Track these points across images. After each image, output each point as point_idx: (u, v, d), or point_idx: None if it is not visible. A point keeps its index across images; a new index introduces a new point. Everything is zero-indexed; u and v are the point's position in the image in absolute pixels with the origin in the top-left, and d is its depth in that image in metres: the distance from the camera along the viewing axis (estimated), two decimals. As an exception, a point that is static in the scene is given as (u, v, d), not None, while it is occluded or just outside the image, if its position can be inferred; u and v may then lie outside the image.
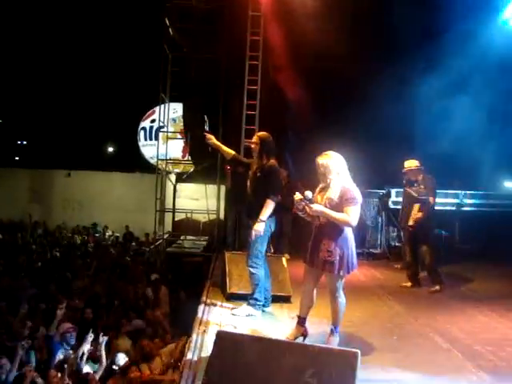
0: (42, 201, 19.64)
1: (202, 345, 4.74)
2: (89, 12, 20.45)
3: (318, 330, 5.12)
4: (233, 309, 5.91)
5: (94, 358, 6.29)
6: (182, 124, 13.85)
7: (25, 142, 30.36)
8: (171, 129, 14.47)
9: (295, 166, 10.48)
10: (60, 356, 6.29)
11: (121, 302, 8.85)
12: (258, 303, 5.78)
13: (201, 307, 5.96)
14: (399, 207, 8.74)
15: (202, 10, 11.23)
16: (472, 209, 10.94)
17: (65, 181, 19.85)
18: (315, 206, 4.63)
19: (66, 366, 5.80)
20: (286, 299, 6.36)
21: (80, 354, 6.02)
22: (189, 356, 4.52)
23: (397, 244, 10.50)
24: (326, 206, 4.63)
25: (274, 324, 5.59)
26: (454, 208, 10.86)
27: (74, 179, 19.84)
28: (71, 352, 6.35)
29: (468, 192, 10.99)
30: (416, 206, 7.69)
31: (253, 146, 5.90)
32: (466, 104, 10.17)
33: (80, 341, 6.43)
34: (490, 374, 4.36)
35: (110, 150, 30.16)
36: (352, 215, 4.58)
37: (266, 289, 5.94)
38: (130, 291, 9.52)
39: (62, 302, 7.58)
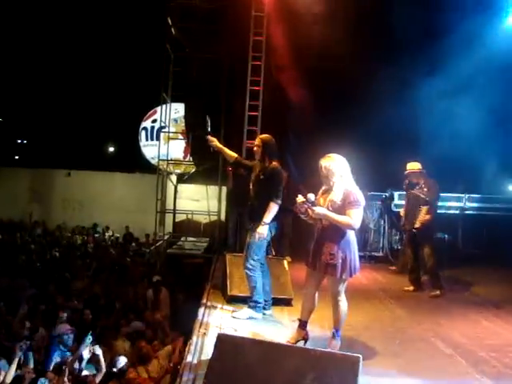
0: (41, 200, 19.65)
1: (202, 347, 4.71)
2: (91, 11, 20.43)
3: (319, 333, 5.10)
4: (233, 311, 5.87)
5: (93, 361, 6.23)
6: (183, 124, 13.85)
7: (25, 141, 30.31)
8: (173, 129, 14.46)
9: (297, 168, 10.42)
10: (57, 358, 6.24)
11: (120, 303, 8.81)
12: (259, 305, 5.74)
13: (201, 309, 5.93)
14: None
15: (204, 9, 11.19)
16: (475, 212, 10.90)
17: (65, 180, 19.86)
18: (318, 209, 4.59)
19: (63, 367, 5.73)
20: (287, 302, 6.32)
21: (79, 356, 5.95)
22: (189, 359, 4.49)
23: (399, 247, 10.43)
24: (328, 209, 4.59)
25: (275, 327, 5.54)
26: (457, 212, 10.82)
27: (75, 179, 19.84)
28: (68, 354, 6.29)
29: (471, 195, 10.95)
30: (424, 209, 7.64)
31: (255, 148, 5.88)
32: (470, 107, 10.12)
33: (78, 342, 6.37)
34: (494, 380, 4.32)
35: (111, 149, 30.12)
36: (355, 218, 4.54)
37: (267, 291, 5.90)
38: (130, 292, 9.47)
39: (62, 313, 7.57)
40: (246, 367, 3.60)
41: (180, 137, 14.87)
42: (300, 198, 4.65)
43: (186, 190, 16.46)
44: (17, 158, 29.00)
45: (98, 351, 6.00)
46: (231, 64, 11.06)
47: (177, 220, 14.60)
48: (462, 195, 10.90)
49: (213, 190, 13.31)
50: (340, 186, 4.63)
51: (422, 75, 10.40)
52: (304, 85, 10.81)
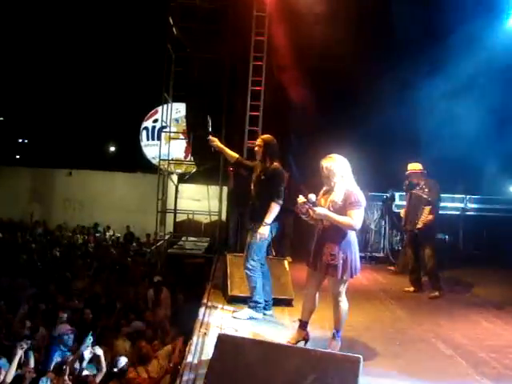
0: (42, 200, 19.62)
1: (202, 347, 4.70)
2: (92, 11, 20.45)
3: (319, 334, 5.09)
4: (234, 312, 5.87)
5: (94, 361, 6.22)
6: (184, 124, 13.84)
7: (26, 141, 30.33)
8: (174, 129, 14.46)
9: (298, 168, 10.42)
10: (57, 358, 6.23)
11: (121, 303, 8.80)
12: (259, 305, 5.74)
13: (202, 309, 5.93)
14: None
15: (205, 9, 11.18)
16: (476, 213, 10.87)
17: (66, 180, 19.82)
18: (319, 209, 4.58)
19: (64, 367, 5.73)
20: (287, 302, 6.32)
21: (80, 356, 5.95)
22: (189, 359, 4.49)
23: (400, 248, 10.43)
24: (329, 209, 4.59)
25: (276, 328, 5.54)
26: (458, 212, 10.80)
27: (76, 178, 19.81)
28: (69, 354, 6.29)
29: (472, 196, 10.93)
30: (427, 209, 7.64)
31: (256, 148, 5.87)
32: (470, 107, 10.11)
33: (79, 342, 6.37)
34: (494, 382, 4.32)
35: (112, 149, 30.15)
36: (356, 219, 4.54)
37: (267, 292, 5.90)
38: (131, 292, 9.47)
39: (62, 313, 7.56)
40: (247, 367, 3.60)
41: (181, 137, 14.87)
42: (301, 199, 4.63)
43: (187, 189, 16.44)
44: (18, 157, 29.04)
45: (99, 352, 6.00)
46: (232, 64, 11.05)
47: (178, 220, 14.59)
48: (463, 196, 10.89)
49: (214, 189, 13.31)
50: (341, 186, 4.62)
51: (423, 76, 10.40)
52: (305, 85, 10.80)
